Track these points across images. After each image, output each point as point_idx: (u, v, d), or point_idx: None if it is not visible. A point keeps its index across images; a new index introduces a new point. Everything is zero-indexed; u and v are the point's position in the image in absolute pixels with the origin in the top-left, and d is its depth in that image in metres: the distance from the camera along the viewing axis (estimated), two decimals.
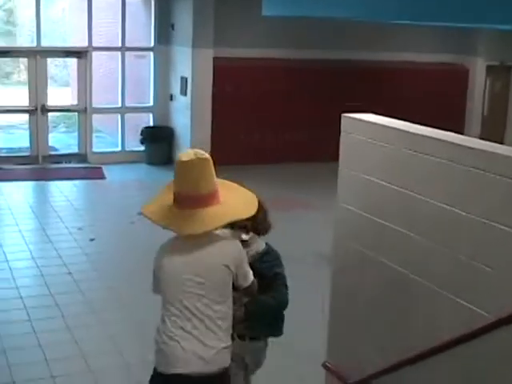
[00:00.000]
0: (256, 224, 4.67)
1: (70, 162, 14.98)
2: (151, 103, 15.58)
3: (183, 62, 14.66)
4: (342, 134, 4.97)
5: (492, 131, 17.87)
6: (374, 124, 4.67)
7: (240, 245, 4.35)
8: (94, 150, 15.27)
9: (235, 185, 4.45)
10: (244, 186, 4.46)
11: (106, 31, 16.49)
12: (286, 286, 4.83)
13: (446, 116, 17.13)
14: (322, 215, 11.54)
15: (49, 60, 15.30)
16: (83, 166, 14.78)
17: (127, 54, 15.27)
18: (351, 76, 15.95)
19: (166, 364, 4.15)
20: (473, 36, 17.20)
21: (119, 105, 15.40)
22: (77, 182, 13.63)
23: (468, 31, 17.04)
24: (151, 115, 15.62)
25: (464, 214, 4.09)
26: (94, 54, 14.99)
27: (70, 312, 7.79)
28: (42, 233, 10.56)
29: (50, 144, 15.48)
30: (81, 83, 15.04)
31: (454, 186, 4.14)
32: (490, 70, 17.70)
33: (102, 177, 13.99)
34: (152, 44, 15.34)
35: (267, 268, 4.72)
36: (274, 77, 15.18)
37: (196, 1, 14.08)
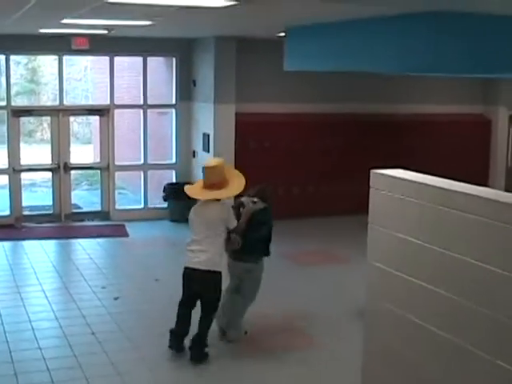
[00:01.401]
0: (263, 198, 8.60)
1: (92, 220, 14.93)
2: (174, 160, 15.55)
3: (205, 118, 14.65)
4: (371, 190, 4.86)
5: None
6: (405, 180, 4.56)
7: (228, 207, 8.17)
8: (117, 207, 15.22)
9: (236, 172, 8.44)
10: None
11: (129, 89, 16.57)
12: (270, 229, 8.49)
13: (470, 168, 16.97)
14: (352, 269, 11.45)
15: (71, 118, 15.35)
16: (106, 223, 14.72)
17: (149, 110, 15.28)
18: (375, 129, 15.91)
19: (189, 263, 7.86)
20: (494, 85, 17.15)
21: (142, 162, 15.39)
22: (100, 239, 13.54)
23: (490, 81, 17.02)
24: (174, 172, 15.58)
25: (501, 271, 3.95)
26: (117, 111, 15.03)
27: (93, 374, 7.63)
28: (66, 292, 10.43)
29: (73, 202, 15.45)
30: (103, 141, 15.06)
31: (490, 243, 4.00)
32: None
33: (125, 234, 13.91)
34: (174, 100, 15.36)
35: (262, 218, 8.40)
36: (296, 131, 15.15)
37: (217, 57, 14.10)
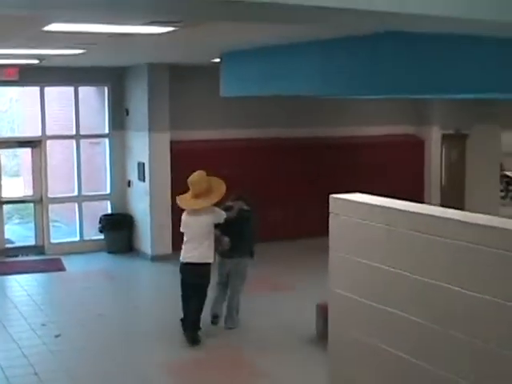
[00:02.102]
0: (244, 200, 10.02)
1: (27, 255, 14.49)
2: (108, 190, 15.25)
3: (140, 147, 14.41)
4: (330, 215, 4.74)
5: (451, 201, 17.83)
6: (366, 204, 4.45)
7: (213, 208, 9.39)
8: (52, 240, 14.83)
9: (217, 180, 9.59)
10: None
11: (59, 119, 16.23)
12: (252, 228, 10.02)
13: (407, 188, 17.07)
14: (305, 295, 11.35)
15: None
16: (41, 257, 14.32)
17: (82, 141, 14.98)
18: (311, 153, 15.90)
19: (183, 258, 9.35)
20: (426, 105, 17.36)
21: (76, 193, 15.04)
22: (36, 275, 13.15)
23: (421, 101, 17.21)
24: (109, 202, 15.27)
25: (472, 293, 3.85)
26: (48, 142, 14.69)
27: None
28: (4, 331, 10.03)
29: (6, 237, 14.99)
30: (35, 173, 14.68)
31: (460, 265, 3.91)
32: (445, 138, 17.78)
33: (62, 268, 13.54)
34: (107, 130, 15.09)
35: (247, 216, 9.88)
36: (234, 158, 15.03)
37: (150, 84, 13.90)
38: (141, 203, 14.50)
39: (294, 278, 12.45)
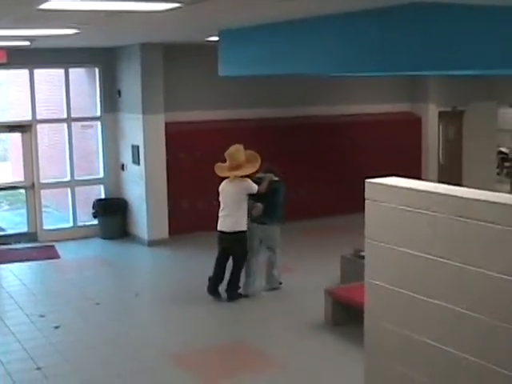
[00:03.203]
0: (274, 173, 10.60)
1: (19, 242, 14.10)
2: (102, 174, 14.87)
3: (133, 130, 14.01)
4: (366, 202, 4.39)
5: (449, 178, 17.59)
6: (409, 189, 4.09)
7: (246, 180, 10.18)
8: (45, 227, 14.44)
9: (252, 154, 10.32)
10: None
11: (50, 103, 15.80)
12: (282, 196, 10.70)
13: (404, 165, 16.80)
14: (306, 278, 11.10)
15: None
16: (34, 245, 13.93)
17: (73, 124, 14.57)
18: (309, 131, 15.58)
19: (220, 226, 10.29)
20: (423, 83, 17.10)
21: (68, 178, 14.64)
22: (30, 263, 12.76)
23: (417, 78, 16.93)
24: (102, 187, 14.89)
25: None
26: (39, 126, 14.29)
27: None
28: (1, 323, 9.68)
29: None
30: (26, 158, 14.26)
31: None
32: (442, 116, 17.52)
33: (57, 256, 13.17)
34: (99, 113, 14.69)
35: (277, 186, 10.53)
36: (230, 139, 14.59)
37: (143, 65, 13.50)
38: (136, 187, 14.13)
39: (293, 261, 12.12)
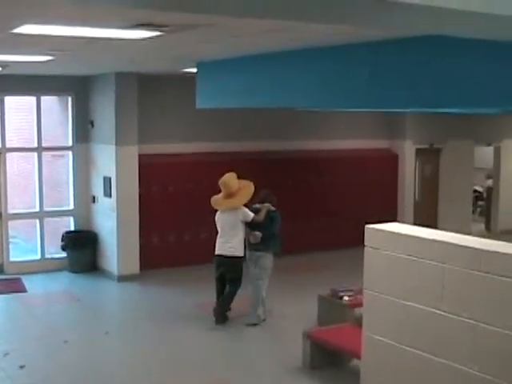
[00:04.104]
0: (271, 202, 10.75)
1: None
2: (72, 206, 14.43)
3: (106, 161, 13.63)
4: (366, 249, 4.07)
5: (425, 216, 17.44)
6: (413, 237, 3.77)
7: (244, 209, 10.50)
8: (11, 259, 13.95)
9: (246, 183, 10.65)
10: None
11: (20, 131, 15.36)
12: (279, 226, 10.79)
13: (380, 203, 16.72)
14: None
15: None
16: (0, 277, 13.42)
17: (44, 153, 14.15)
18: (285, 166, 15.29)
19: (218, 251, 10.53)
20: (400, 120, 16.97)
21: (37, 209, 14.19)
22: None
23: (395, 115, 16.79)
24: (72, 219, 14.45)
25: None
26: (8, 155, 13.86)
27: None
28: None
29: None
30: None
31: None
32: (419, 153, 17.37)
33: (23, 289, 12.69)
34: (70, 142, 14.29)
35: (274, 216, 10.70)
36: (205, 172, 14.32)
37: (118, 95, 13.15)
38: (107, 220, 13.72)
39: (271, 300, 11.75)
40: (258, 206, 10.74)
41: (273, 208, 10.80)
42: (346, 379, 8.56)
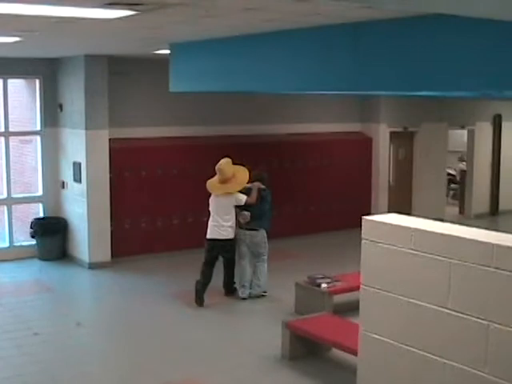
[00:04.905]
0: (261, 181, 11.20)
1: None
2: (41, 192, 14.06)
3: (75, 146, 13.27)
4: (363, 242, 3.80)
5: (399, 200, 17.31)
6: (417, 230, 3.50)
7: (238, 195, 10.86)
8: None
9: (241, 169, 11.02)
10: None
11: None
12: (270, 204, 11.24)
13: (354, 186, 16.56)
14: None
15: None
16: None
17: (11, 138, 13.75)
18: (260, 151, 14.99)
19: (210, 235, 10.86)
20: (374, 103, 16.77)
21: (5, 195, 13.80)
22: None
23: (368, 99, 16.60)
24: (41, 205, 14.08)
25: None
26: None
27: None
28: None
29: None
30: None
31: None
32: (393, 136, 17.18)
33: None
34: (39, 127, 13.90)
35: (264, 195, 11.08)
36: (178, 157, 14.01)
37: (88, 78, 12.78)
38: (77, 206, 13.38)
39: None
40: (248, 185, 11.06)
41: (263, 186, 11.18)
42: (327, 369, 8.37)
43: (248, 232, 11.06)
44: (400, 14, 6.58)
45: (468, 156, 19.48)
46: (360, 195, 16.79)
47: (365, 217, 3.86)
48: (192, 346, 9.24)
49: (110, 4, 6.05)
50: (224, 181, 10.87)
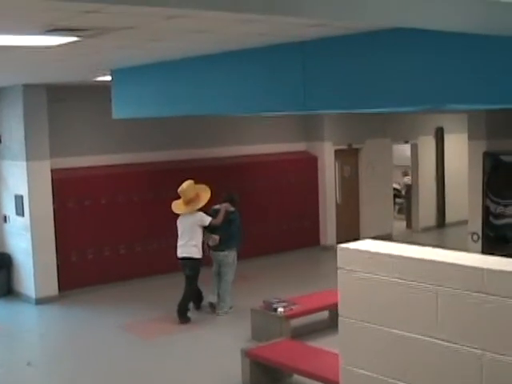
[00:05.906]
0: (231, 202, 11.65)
1: None
2: None
3: (16, 178, 12.87)
4: (339, 271, 3.60)
5: (347, 216, 17.24)
6: (398, 257, 3.30)
7: (201, 214, 11.33)
8: None
9: (203, 187, 11.50)
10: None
11: None
12: (238, 225, 11.64)
13: (302, 205, 16.44)
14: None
15: None
16: None
17: None
18: (206, 174, 14.66)
19: (179, 254, 11.27)
20: (317, 121, 16.68)
21: None
22: None
23: (312, 117, 16.52)
24: None
25: None
26: None
27: None
28: None
29: None
30: None
31: None
32: (338, 154, 17.11)
33: None
34: None
35: (232, 217, 11.55)
36: (122, 184, 13.70)
37: (26, 107, 12.43)
38: (20, 240, 12.96)
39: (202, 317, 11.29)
40: (217, 206, 11.58)
41: (232, 208, 11.62)
42: None
43: (216, 253, 11.51)
44: (347, 31, 6.45)
45: (413, 170, 19.56)
46: (309, 214, 16.67)
47: (340, 245, 3.66)
48: (147, 378, 8.94)
49: (51, 30, 5.81)
50: (188, 202, 11.28)
